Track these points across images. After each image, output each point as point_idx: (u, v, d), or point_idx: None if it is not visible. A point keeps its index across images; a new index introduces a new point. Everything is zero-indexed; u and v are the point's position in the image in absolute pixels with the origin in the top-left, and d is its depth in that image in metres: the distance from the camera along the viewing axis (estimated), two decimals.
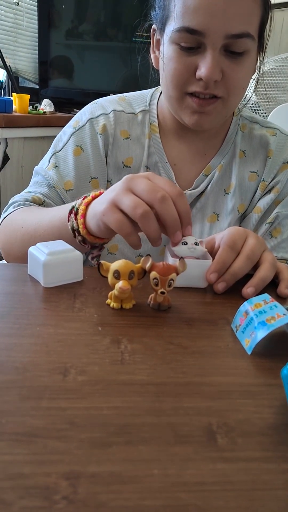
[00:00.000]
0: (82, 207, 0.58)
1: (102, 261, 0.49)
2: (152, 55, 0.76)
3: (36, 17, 2.36)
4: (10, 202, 0.77)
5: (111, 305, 0.49)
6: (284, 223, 0.80)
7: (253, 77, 0.75)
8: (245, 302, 0.47)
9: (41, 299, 0.50)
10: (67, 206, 0.61)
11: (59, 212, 0.63)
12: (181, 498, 0.27)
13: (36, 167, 0.80)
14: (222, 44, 0.62)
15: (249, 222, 0.81)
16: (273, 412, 0.35)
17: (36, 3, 2.33)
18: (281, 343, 0.46)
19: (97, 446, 0.30)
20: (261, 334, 0.43)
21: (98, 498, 0.26)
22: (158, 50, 0.73)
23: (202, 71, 0.63)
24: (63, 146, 0.78)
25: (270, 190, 0.80)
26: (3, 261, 1.06)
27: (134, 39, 2.41)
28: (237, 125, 0.81)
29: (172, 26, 0.65)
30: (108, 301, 0.50)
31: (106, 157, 0.77)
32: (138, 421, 0.33)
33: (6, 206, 0.77)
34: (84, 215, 0.57)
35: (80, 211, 0.58)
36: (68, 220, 0.59)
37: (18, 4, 2.27)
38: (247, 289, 0.55)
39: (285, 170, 0.80)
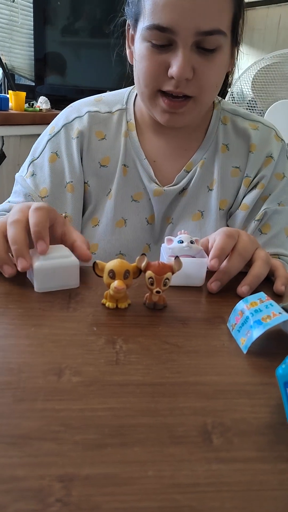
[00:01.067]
0: None
1: (97, 261, 0.48)
2: (127, 51, 0.75)
3: (32, 14, 2.35)
4: None
5: (107, 304, 0.49)
6: (273, 219, 0.79)
7: (232, 72, 0.75)
8: (241, 301, 0.47)
9: (36, 300, 0.50)
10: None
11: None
12: (176, 499, 0.27)
13: (16, 174, 0.81)
14: (193, 41, 0.62)
15: (236, 220, 0.79)
16: (269, 411, 0.35)
17: (32, 0, 2.32)
18: (277, 341, 0.46)
19: (91, 448, 0.30)
20: (256, 333, 0.42)
21: (92, 500, 0.26)
22: (134, 45, 0.72)
23: (173, 69, 0.63)
24: (40, 153, 0.79)
25: (255, 186, 0.79)
26: None
27: (112, 35, 2.40)
28: (218, 118, 0.80)
29: (143, 23, 0.64)
30: (104, 300, 0.50)
31: (82, 160, 0.78)
32: (133, 422, 0.33)
33: None
34: None
35: None
36: None
37: (13, 1, 2.25)
38: (242, 288, 0.55)
39: (269, 164, 0.78)
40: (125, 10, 0.72)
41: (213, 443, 0.31)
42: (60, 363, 0.39)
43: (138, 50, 0.67)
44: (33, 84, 2.48)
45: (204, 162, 0.78)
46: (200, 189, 0.79)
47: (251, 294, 0.47)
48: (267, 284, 0.58)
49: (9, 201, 0.79)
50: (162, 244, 0.58)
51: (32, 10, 2.34)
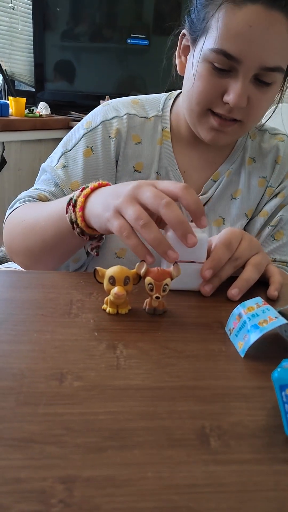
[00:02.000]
0: (80, 199, 0.57)
1: (97, 268, 0.49)
2: (177, 60, 0.76)
3: (31, 21, 2.37)
4: (16, 198, 0.76)
5: (107, 310, 0.50)
6: (286, 227, 0.82)
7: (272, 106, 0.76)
8: (238, 306, 0.48)
9: (38, 305, 0.51)
10: (66, 198, 0.60)
11: (59, 205, 0.63)
12: (173, 500, 0.28)
13: (43, 164, 0.79)
14: (254, 73, 0.63)
15: (254, 225, 0.82)
16: (265, 414, 0.36)
17: (31, 7, 2.34)
18: (274, 345, 0.47)
19: (92, 451, 0.31)
20: (253, 337, 0.43)
21: (93, 501, 0.27)
22: (185, 56, 0.73)
23: (230, 97, 0.64)
24: (74, 146, 0.77)
25: (276, 195, 0.82)
26: (5, 265, 1.07)
27: (129, 41, 2.42)
28: (247, 133, 0.82)
29: (209, 43, 0.64)
30: (104, 306, 0.51)
31: (117, 161, 0.77)
32: (133, 425, 0.34)
33: (12, 202, 0.76)
34: (82, 208, 0.57)
35: (79, 203, 0.57)
36: (66, 212, 0.59)
37: (13, 8, 2.27)
38: (232, 291, 0.56)
39: None
40: (186, 20, 0.71)
41: (210, 446, 0.32)
42: (62, 368, 0.40)
43: (196, 68, 0.67)
44: (33, 90, 2.50)
45: (231, 172, 0.81)
46: (224, 196, 0.81)
47: (248, 298, 0.48)
48: (264, 289, 0.59)
49: (37, 188, 0.76)
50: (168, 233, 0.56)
51: (31, 16, 2.36)
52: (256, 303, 0.47)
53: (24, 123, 2.07)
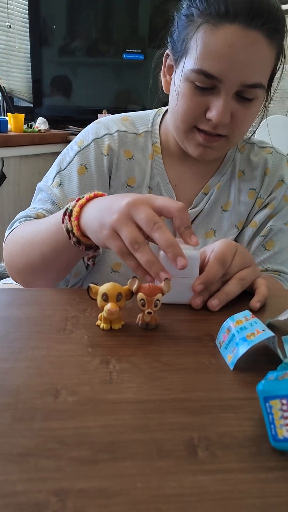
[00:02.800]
0: (76, 209, 0.59)
1: (91, 285, 0.51)
2: (162, 79, 0.78)
3: (28, 38, 2.42)
4: (15, 218, 0.78)
5: (101, 326, 0.52)
6: (277, 236, 0.83)
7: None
8: (228, 319, 0.49)
9: (34, 323, 0.52)
10: (63, 210, 0.62)
11: (55, 218, 0.65)
12: (162, 509, 0.29)
13: (39, 184, 0.81)
14: (235, 90, 0.66)
15: (244, 236, 0.84)
16: (252, 424, 0.38)
17: (28, 25, 2.39)
18: (263, 357, 0.48)
19: (85, 464, 0.32)
20: (242, 349, 0.45)
21: (85, 511, 0.29)
22: (170, 75, 0.76)
23: (213, 114, 0.67)
24: (68, 165, 0.79)
25: (265, 206, 0.84)
26: (4, 281, 1.08)
27: (124, 55, 2.46)
28: (236, 147, 0.85)
29: (190, 64, 0.66)
30: (98, 322, 0.52)
31: (110, 177, 0.79)
32: (125, 438, 0.35)
33: (11, 223, 0.78)
34: (78, 217, 0.58)
35: (74, 213, 0.59)
36: (63, 222, 0.60)
37: (10, 27, 2.32)
38: (212, 301, 0.58)
39: (280, 187, 0.84)
40: (168, 41, 0.74)
41: (198, 456, 0.34)
42: (56, 384, 0.41)
43: (179, 88, 0.70)
44: (31, 105, 2.54)
45: (221, 184, 0.83)
46: (214, 209, 0.83)
47: (237, 312, 0.50)
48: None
49: (34, 208, 0.78)
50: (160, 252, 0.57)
51: (28, 34, 2.41)
52: (244, 316, 0.48)
53: (23, 138, 2.10)
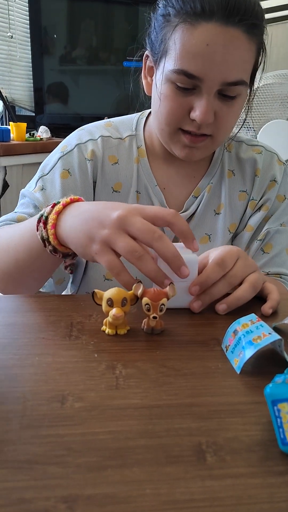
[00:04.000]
0: (52, 216, 0.57)
1: (96, 290, 0.51)
2: (144, 81, 0.78)
3: (29, 48, 2.44)
4: None
5: (106, 331, 0.52)
6: (274, 238, 0.83)
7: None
8: (234, 323, 0.49)
9: (40, 329, 0.52)
10: (37, 216, 0.60)
11: (30, 224, 0.63)
12: None
13: (22, 190, 0.80)
14: (217, 89, 0.65)
15: (241, 241, 0.83)
16: (260, 429, 0.37)
17: (29, 34, 2.41)
18: (269, 361, 0.48)
19: (93, 470, 0.32)
20: (248, 353, 0.45)
21: None
22: (150, 77, 0.75)
23: (197, 114, 0.66)
24: (50, 170, 0.78)
25: (259, 208, 0.83)
26: None
27: (124, 63, 2.48)
28: (223, 145, 0.84)
29: (169, 64, 0.66)
30: (103, 327, 0.52)
31: (95, 183, 0.79)
32: (132, 444, 0.35)
33: None
34: (54, 225, 0.57)
35: (51, 221, 0.57)
36: (37, 229, 0.59)
37: (11, 37, 2.34)
38: (220, 306, 0.57)
39: (273, 188, 0.82)
40: (147, 42, 0.73)
41: (206, 461, 0.34)
42: (63, 390, 0.41)
43: (161, 89, 0.69)
44: (33, 114, 2.56)
45: (211, 187, 0.82)
46: (207, 213, 0.82)
47: (243, 315, 0.50)
48: (259, 305, 0.60)
49: (16, 212, 0.78)
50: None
51: (29, 43, 2.43)
52: (250, 319, 0.48)
53: (25, 147, 2.11)
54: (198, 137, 0.70)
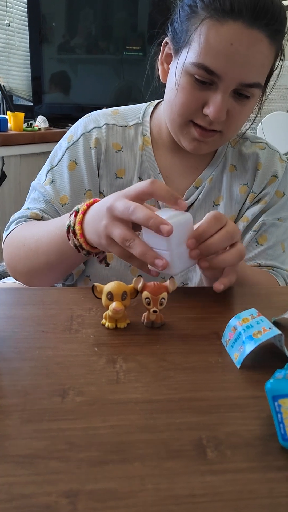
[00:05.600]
0: (77, 227, 0.61)
1: (95, 284, 0.51)
2: (159, 67, 0.77)
3: (27, 36, 2.41)
4: (10, 220, 0.79)
5: (106, 325, 0.51)
6: (270, 231, 0.82)
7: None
8: (234, 317, 0.49)
9: (40, 322, 0.52)
10: (63, 221, 0.64)
11: (58, 228, 0.66)
12: (172, 510, 0.29)
13: (33, 182, 0.83)
14: (233, 88, 0.66)
15: None
16: (260, 423, 0.38)
17: (27, 22, 2.38)
18: (269, 355, 0.48)
19: (94, 465, 0.32)
20: (248, 348, 0.45)
21: None
22: (167, 64, 0.75)
23: (210, 111, 0.67)
24: (59, 161, 0.80)
25: (258, 201, 0.83)
26: (5, 280, 1.08)
27: (124, 53, 2.45)
28: (228, 141, 0.84)
29: (191, 57, 0.66)
30: (103, 321, 0.52)
31: (99, 170, 0.80)
32: (133, 438, 0.35)
33: (7, 224, 0.79)
34: (82, 235, 0.61)
35: (77, 231, 0.61)
36: (69, 239, 0.63)
37: (9, 25, 2.31)
38: (217, 284, 0.58)
39: (273, 183, 0.83)
40: (169, 28, 0.73)
41: (207, 456, 0.34)
42: (63, 384, 0.41)
43: (178, 80, 0.69)
44: (31, 104, 2.54)
45: (212, 179, 0.83)
46: (206, 203, 0.83)
47: (243, 310, 0.50)
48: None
49: (29, 208, 0.80)
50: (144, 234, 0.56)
51: (27, 32, 2.40)
52: (250, 314, 0.48)
53: (23, 137, 2.09)
54: (208, 132, 0.71)
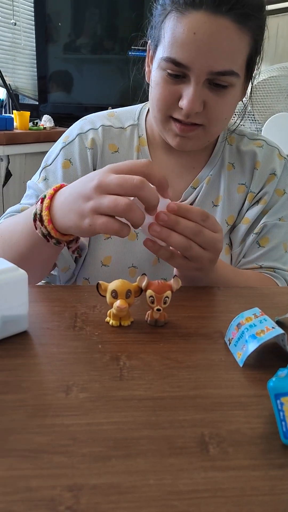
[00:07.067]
0: (45, 213, 0.58)
1: (100, 281, 0.51)
2: (146, 69, 0.79)
3: (33, 36, 2.42)
4: (3, 214, 0.80)
5: (110, 322, 0.52)
6: (272, 232, 0.82)
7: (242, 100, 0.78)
8: (237, 316, 0.49)
9: (44, 319, 0.53)
10: (31, 214, 0.61)
11: (26, 218, 0.63)
12: (175, 505, 0.29)
13: (28, 181, 0.83)
14: (205, 78, 0.65)
15: (237, 233, 0.83)
16: (262, 422, 0.38)
17: (33, 22, 2.39)
18: (272, 354, 0.49)
19: (97, 460, 0.33)
20: (251, 347, 0.45)
21: (99, 508, 0.29)
22: (152, 65, 0.75)
23: (184, 103, 0.67)
24: (53, 160, 0.81)
25: (257, 201, 0.82)
26: None
27: (129, 52, 2.46)
28: (225, 138, 0.84)
29: (160, 52, 0.68)
30: (107, 319, 0.53)
31: (95, 170, 0.80)
32: (136, 434, 0.35)
33: None
34: (50, 221, 0.58)
35: (45, 217, 0.58)
36: (36, 228, 0.60)
37: (15, 24, 2.32)
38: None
39: (272, 181, 0.82)
40: (148, 31, 0.74)
41: (209, 453, 0.34)
42: (67, 381, 0.42)
43: (153, 76, 0.70)
44: (37, 103, 2.55)
45: (210, 179, 0.82)
46: (205, 204, 0.82)
47: (246, 309, 0.50)
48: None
49: (21, 203, 0.80)
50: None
51: (33, 31, 2.41)
52: (253, 313, 0.48)
53: (28, 136, 2.10)
54: (187, 126, 0.70)
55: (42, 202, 0.59)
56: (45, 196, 0.59)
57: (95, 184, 0.52)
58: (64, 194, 0.57)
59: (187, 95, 0.66)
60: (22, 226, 0.66)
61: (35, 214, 0.59)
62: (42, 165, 0.82)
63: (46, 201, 0.58)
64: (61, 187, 0.60)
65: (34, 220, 0.59)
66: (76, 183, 0.57)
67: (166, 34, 0.66)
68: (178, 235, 0.55)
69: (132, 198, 0.52)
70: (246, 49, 0.67)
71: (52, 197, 0.59)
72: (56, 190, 0.59)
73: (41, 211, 0.58)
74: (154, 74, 0.70)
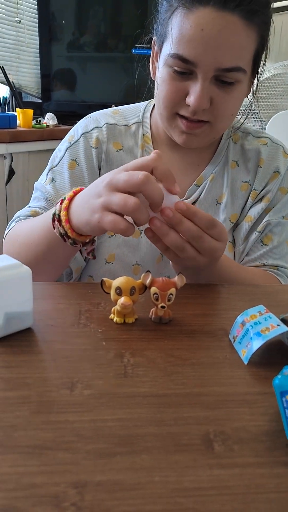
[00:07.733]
0: (63, 213, 0.59)
1: (104, 279, 0.51)
2: (151, 66, 0.78)
3: (37, 34, 2.42)
4: (13, 218, 0.80)
5: (114, 320, 0.52)
6: (275, 231, 0.81)
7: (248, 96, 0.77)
8: (242, 314, 0.49)
9: (48, 316, 0.52)
10: (51, 213, 0.63)
11: (46, 219, 0.65)
12: (180, 502, 0.29)
13: (36, 182, 0.84)
14: (212, 75, 0.65)
15: (240, 231, 0.82)
16: (268, 419, 0.38)
17: (37, 20, 2.39)
18: (277, 352, 0.48)
19: (102, 457, 0.33)
20: (256, 344, 0.45)
21: (103, 504, 0.29)
22: (157, 61, 0.75)
23: (191, 99, 0.66)
24: (59, 161, 0.81)
25: (261, 199, 0.82)
26: None
27: (133, 50, 2.45)
28: (229, 136, 0.83)
29: (167, 48, 0.67)
30: (112, 316, 0.52)
31: (100, 169, 0.80)
32: (141, 431, 0.35)
33: (9, 222, 0.80)
34: (68, 220, 0.59)
35: (63, 217, 0.59)
36: (54, 228, 0.61)
37: (19, 22, 2.32)
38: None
39: (276, 179, 0.81)
40: (154, 27, 0.74)
41: (215, 450, 0.34)
42: (72, 377, 0.41)
43: (160, 73, 0.70)
44: (40, 101, 2.54)
45: (214, 176, 0.82)
46: (209, 202, 0.82)
47: (251, 307, 0.50)
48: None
49: (29, 207, 0.81)
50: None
51: (37, 29, 2.41)
52: (258, 311, 0.48)
53: (32, 134, 2.10)
54: (194, 123, 0.70)
55: (61, 204, 0.61)
56: (65, 198, 0.61)
57: (107, 182, 0.54)
58: (81, 195, 0.59)
59: (195, 92, 0.66)
60: (39, 228, 0.67)
61: (53, 215, 0.61)
62: (49, 166, 0.82)
63: (65, 202, 0.60)
64: (80, 190, 0.61)
65: (53, 220, 0.61)
66: (91, 184, 0.58)
67: (173, 31, 0.65)
68: (175, 234, 0.55)
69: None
70: (253, 45, 0.66)
71: (71, 199, 0.61)
72: (76, 193, 0.61)
73: (60, 211, 0.60)
74: (161, 71, 0.70)
